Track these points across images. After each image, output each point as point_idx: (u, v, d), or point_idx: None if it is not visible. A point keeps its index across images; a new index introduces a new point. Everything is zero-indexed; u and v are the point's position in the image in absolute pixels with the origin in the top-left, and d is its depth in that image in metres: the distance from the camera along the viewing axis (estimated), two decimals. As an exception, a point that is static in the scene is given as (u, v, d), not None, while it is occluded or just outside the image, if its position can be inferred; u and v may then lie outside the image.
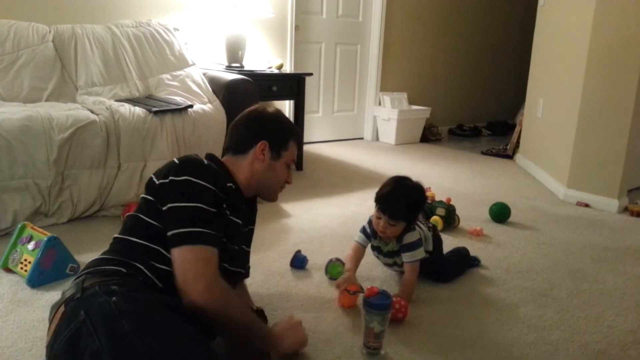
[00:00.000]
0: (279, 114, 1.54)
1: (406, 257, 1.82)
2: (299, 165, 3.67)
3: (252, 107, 1.54)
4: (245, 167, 1.46)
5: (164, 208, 1.25)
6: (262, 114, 1.51)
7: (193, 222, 1.22)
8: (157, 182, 1.29)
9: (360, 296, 1.55)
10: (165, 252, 1.24)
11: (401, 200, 1.77)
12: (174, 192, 1.26)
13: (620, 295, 1.95)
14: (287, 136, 1.51)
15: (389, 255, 1.90)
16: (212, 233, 1.25)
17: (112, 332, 1.01)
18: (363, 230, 1.92)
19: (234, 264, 1.41)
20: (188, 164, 1.31)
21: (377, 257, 1.99)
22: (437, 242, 2.05)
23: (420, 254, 1.83)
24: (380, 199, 1.79)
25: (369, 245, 1.94)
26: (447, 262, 2.04)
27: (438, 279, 1.98)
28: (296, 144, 1.53)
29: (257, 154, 1.46)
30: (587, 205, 3.10)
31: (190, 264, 1.20)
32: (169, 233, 1.22)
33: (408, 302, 1.72)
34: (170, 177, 1.27)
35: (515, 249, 2.36)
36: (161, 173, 1.31)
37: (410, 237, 1.83)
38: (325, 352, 1.48)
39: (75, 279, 1.21)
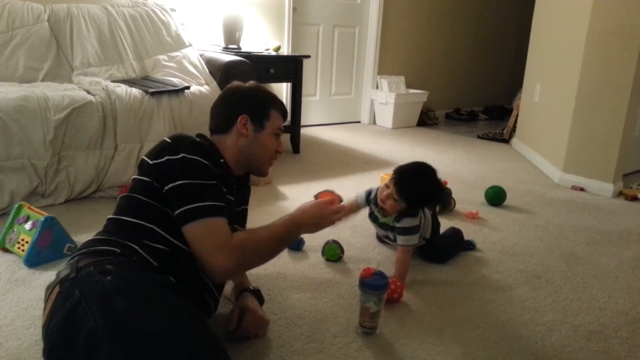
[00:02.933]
0: (255, 86, 1.54)
1: (400, 239, 1.84)
2: (296, 149, 3.67)
3: (228, 85, 1.55)
4: (231, 145, 1.47)
5: (166, 188, 1.25)
6: (237, 89, 1.52)
7: (199, 196, 1.24)
8: (151, 163, 1.29)
9: (356, 279, 1.56)
10: (159, 231, 1.25)
11: (416, 184, 1.79)
12: (174, 171, 1.26)
13: (613, 277, 1.97)
14: (266, 106, 1.51)
15: (383, 226, 1.93)
16: (219, 204, 1.27)
17: (107, 311, 1.02)
18: (368, 193, 1.94)
19: None
20: (182, 141, 1.32)
21: (372, 225, 2.02)
22: (435, 224, 2.07)
23: (414, 240, 1.85)
24: (398, 171, 1.82)
25: (367, 212, 1.97)
26: (443, 243, 2.06)
27: (434, 259, 2.00)
28: (279, 111, 1.53)
29: (239, 129, 1.46)
30: (582, 189, 3.11)
31: (206, 239, 1.24)
32: (177, 211, 1.24)
33: (403, 282, 1.74)
34: (167, 157, 1.27)
35: (510, 232, 2.38)
36: (153, 153, 1.31)
37: (408, 222, 1.85)
38: (321, 331, 1.50)
39: (69, 260, 1.22)
